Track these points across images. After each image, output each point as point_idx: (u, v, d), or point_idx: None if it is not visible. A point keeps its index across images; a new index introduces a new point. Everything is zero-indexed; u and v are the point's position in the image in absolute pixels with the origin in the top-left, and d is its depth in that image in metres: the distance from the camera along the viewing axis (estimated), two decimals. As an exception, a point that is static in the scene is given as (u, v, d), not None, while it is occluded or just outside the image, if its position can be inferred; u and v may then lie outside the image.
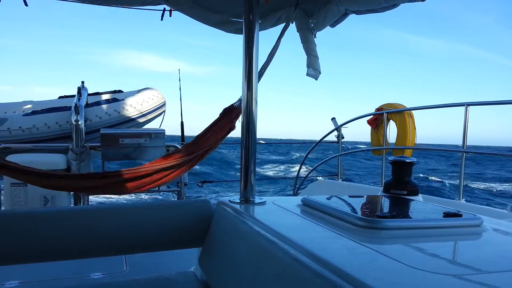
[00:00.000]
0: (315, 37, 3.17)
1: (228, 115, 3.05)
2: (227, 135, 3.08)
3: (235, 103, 3.09)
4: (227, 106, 3.11)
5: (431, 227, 1.15)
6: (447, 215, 1.21)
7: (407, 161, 1.62)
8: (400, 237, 1.07)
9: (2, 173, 3.00)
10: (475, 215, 1.24)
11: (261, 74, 2.96)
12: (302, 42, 3.17)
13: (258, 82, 1.75)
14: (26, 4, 2.64)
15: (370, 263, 0.88)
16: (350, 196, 1.52)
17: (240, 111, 3.06)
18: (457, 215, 1.21)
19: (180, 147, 3.28)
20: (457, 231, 1.16)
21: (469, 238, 1.13)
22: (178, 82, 6.39)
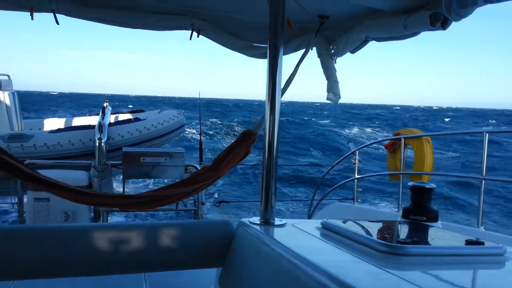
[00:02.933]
0: (335, 62, 3.23)
1: (246, 140, 3.11)
2: (243, 159, 3.16)
3: (252, 127, 3.16)
4: (245, 130, 3.19)
5: (454, 255, 1.14)
6: (469, 242, 1.20)
7: (427, 187, 1.63)
8: (422, 264, 1.07)
9: (33, 185, 3.16)
10: (498, 244, 1.23)
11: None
12: (322, 68, 3.22)
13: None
14: (57, 23, 2.79)
15: None
16: (369, 221, 1.53)
17: (257, 136, 3.15)
18: (479, 243, 1.20)
19: (199, 168, 3.36)
20: (480, 259, 1.15)
21: (492, 267, 1.12)
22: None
